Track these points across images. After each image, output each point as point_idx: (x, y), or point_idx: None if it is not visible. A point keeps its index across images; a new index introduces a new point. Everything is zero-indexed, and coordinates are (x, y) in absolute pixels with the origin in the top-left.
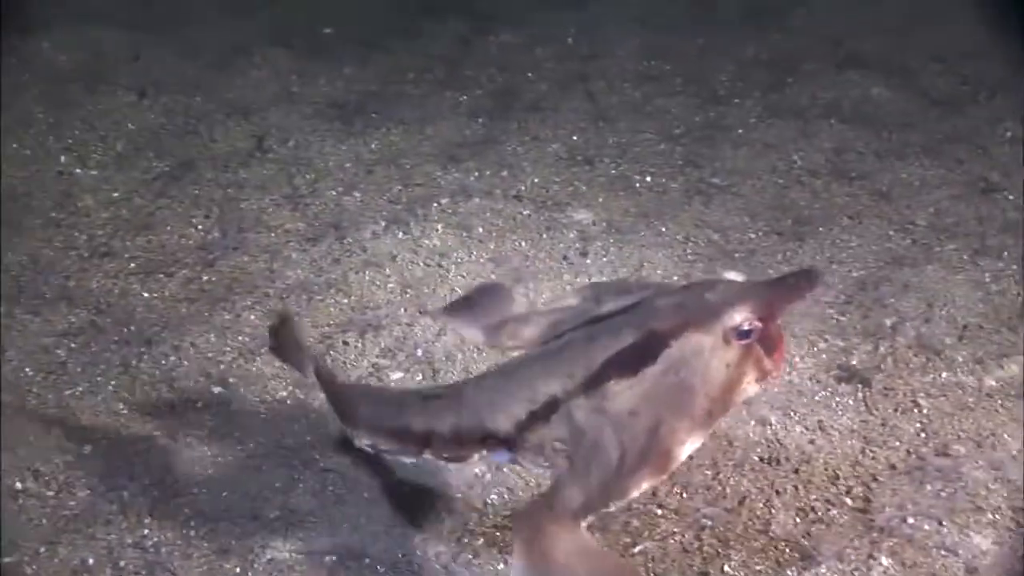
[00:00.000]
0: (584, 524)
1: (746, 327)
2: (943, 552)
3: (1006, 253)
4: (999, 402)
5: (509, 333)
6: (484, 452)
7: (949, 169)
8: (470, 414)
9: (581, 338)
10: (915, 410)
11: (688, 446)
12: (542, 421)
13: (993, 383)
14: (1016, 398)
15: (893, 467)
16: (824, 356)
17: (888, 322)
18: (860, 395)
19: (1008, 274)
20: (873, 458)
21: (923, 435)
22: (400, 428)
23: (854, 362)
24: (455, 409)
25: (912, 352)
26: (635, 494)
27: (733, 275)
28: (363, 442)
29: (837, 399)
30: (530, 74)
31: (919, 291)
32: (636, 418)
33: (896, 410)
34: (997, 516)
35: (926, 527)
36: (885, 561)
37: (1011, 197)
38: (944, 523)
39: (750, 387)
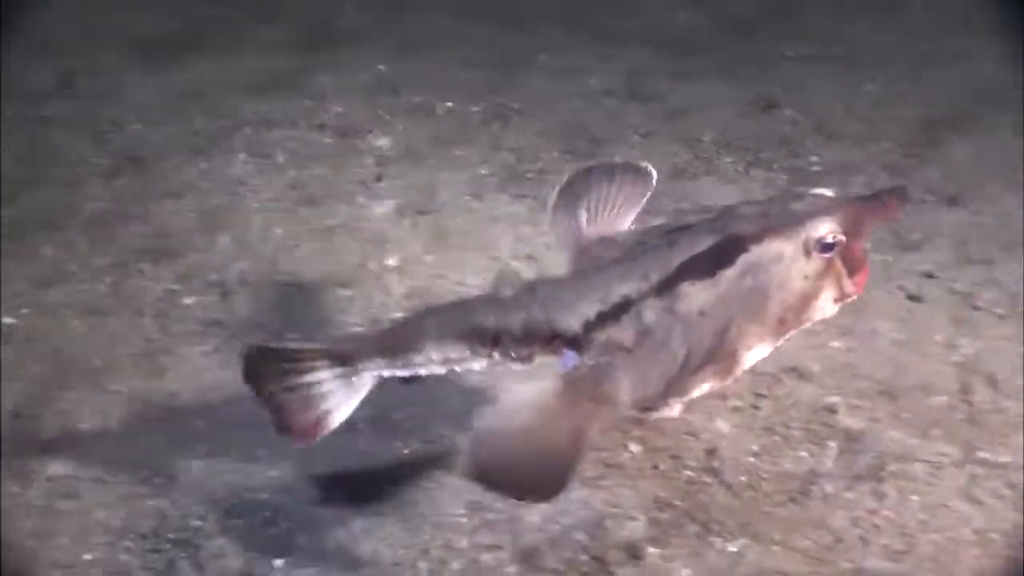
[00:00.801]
0: (613, 412)
1: (829, 239)
2: (686, 436)
3: (776, 164)
4: None
5: (593, 258)
6: (551, 353)
7: (737, 88)
8: (539, 311)
9: (661, 244)
10: None
11: (756, 352)
12: (612, 321)
13: None
14: None
15: None
16: None
17: None
18: None
19: (777, 182)
20: None
21: None
22: (471, 328)
23: None
24: (526, 306)
25: None
26: (695, 393)
27: (822, 190)
28: (432, 359)
29: None
30: (347, 6)
31: (693, 201)
32: (706, 319)
33: None
34: (739, 402)
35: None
36: (634, 448)
37: (788, 112)
38: (693, 412)
39: (827, 305)
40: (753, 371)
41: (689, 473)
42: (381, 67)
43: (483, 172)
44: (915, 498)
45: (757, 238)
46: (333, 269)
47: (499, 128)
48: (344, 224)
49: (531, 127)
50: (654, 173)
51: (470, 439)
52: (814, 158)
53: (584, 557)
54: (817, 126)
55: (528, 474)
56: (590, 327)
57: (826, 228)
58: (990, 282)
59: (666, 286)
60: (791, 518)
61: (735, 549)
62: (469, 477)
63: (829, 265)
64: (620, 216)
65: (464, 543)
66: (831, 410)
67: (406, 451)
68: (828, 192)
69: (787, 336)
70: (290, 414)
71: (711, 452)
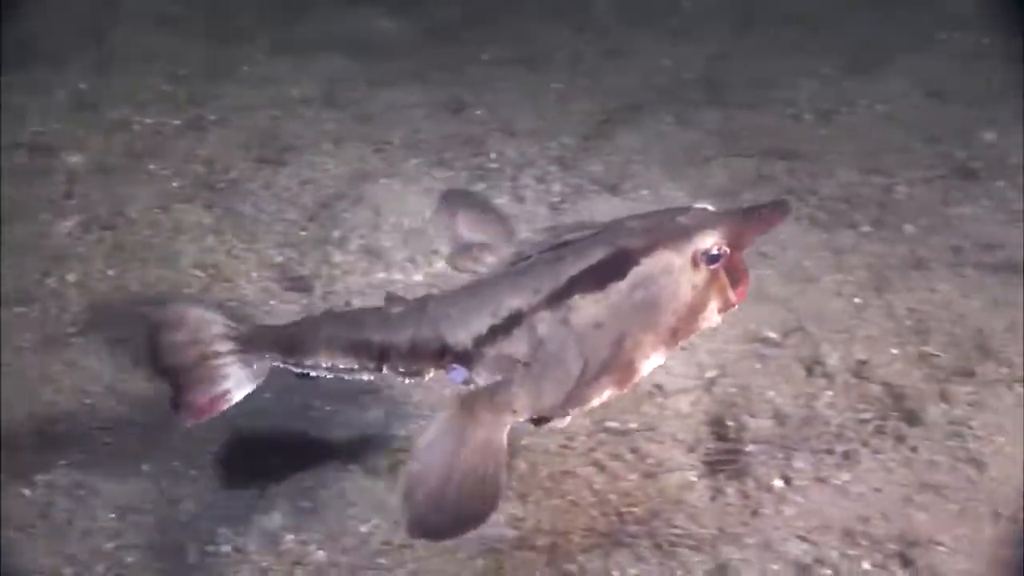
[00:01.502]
0: (513, 421)
1: (715, 251)
2: None
3: (459, 163)
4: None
5: (474, 258)
6: (441, 368)
7: (430, 92)
8: (428, 327)
9: (549, 258)
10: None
11: (652, 360)
12: (503, 334)
13: (419, 278)
14: (434, 289)
15: None
16: (279, 269)
17: (337, 233)
18: (304, 301)
19: (458, 179)
20: None
21: None
22: (359, 342)
23: (305, 272)
24: (414, 322)
25: (355, 257)
26: (596, 402)
27: (703, 204)
28: (322, 364)
29: (282, 306)
30: (48, 24)
31: (372, 203)
32: (601, 330)
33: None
34: None
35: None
36: None
37: (477, 113)
38: None
39: (713, 315)
40: None
41: None
42: (82, 85)
43: (174, 185)
44: (544, 469)
45: (647, 251)
46: (11, 287)
47: (195, 140)
48: (25, 242)
49: (227, 138)
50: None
51: (403, 499)
52: (494, 155)
53: None
54: (503, 125)
55: (465, 507)
56: (481, 341)
57: (712, 240)
58: None
59: (557, 299)
60: None
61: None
62: (413, 535)
63: (715, 276)
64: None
65: None
66: None
67: None
68: (709, 206)
69: (680, 344)
70: (189, 390)
71: None
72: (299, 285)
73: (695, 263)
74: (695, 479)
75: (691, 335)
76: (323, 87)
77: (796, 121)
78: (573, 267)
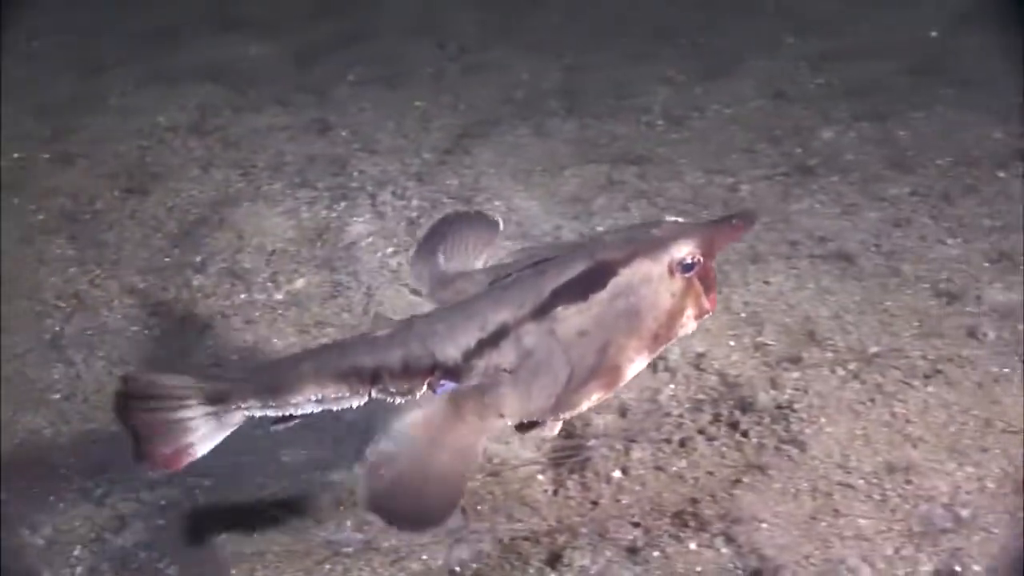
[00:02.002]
0: (501, 425)
1: (689, 260)
2: None
3: (320, 183)
4: (280, 312)
5: (455, 290)
6: (431, 384)
7: (295, 115)
8: (418, 346)
9: (531, 274)
10: (207, 330)
11: (636, 364)
12: (491, 347)
13: (280, 297)
14: (295, 306)
15: None
16: (142, 294)
17: (199, 258)
18: (166, 326)
19: (321, 199)
20: None
21: (210, 354)
22: (349, 368)
23: (170, 296)
24: (404, 342)
25: (216, 280)
26: (585, 406)
27: (674, 218)
28: (310, 399)
29: (146, 331)
30: None
31: (235, 226)
32: (586, 338)
33: (197, 331)
34: None
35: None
36: None
37: (342, 133)
38: None
39: (689, 322)
40: None
41: None
42: None
43: (39, 218)
44: None
45: (625, 262)
46: None
47: (60, 173)
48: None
49: (93, 169)
50: (500, 221)
51: (366, 469)
52: (356, 173)
53: None
54: (365, 144)
55: (425, 502)
56: (470, 355)
57: (687, 250)
58: None
59: (542, 311)
60: None
61: None
62: (368, 508)
63: (690, 284)
64: (472, 256)
65: None
66: None
67: None
68: (679, 219)
69: (660, 349)
70: (149, 443)
71: None
72: (161, 310)
73: (671, 272)
74: (540, 475)
75: (670, 341)
76: (191, 115)
77: (649, 127)
78: (555, 280)
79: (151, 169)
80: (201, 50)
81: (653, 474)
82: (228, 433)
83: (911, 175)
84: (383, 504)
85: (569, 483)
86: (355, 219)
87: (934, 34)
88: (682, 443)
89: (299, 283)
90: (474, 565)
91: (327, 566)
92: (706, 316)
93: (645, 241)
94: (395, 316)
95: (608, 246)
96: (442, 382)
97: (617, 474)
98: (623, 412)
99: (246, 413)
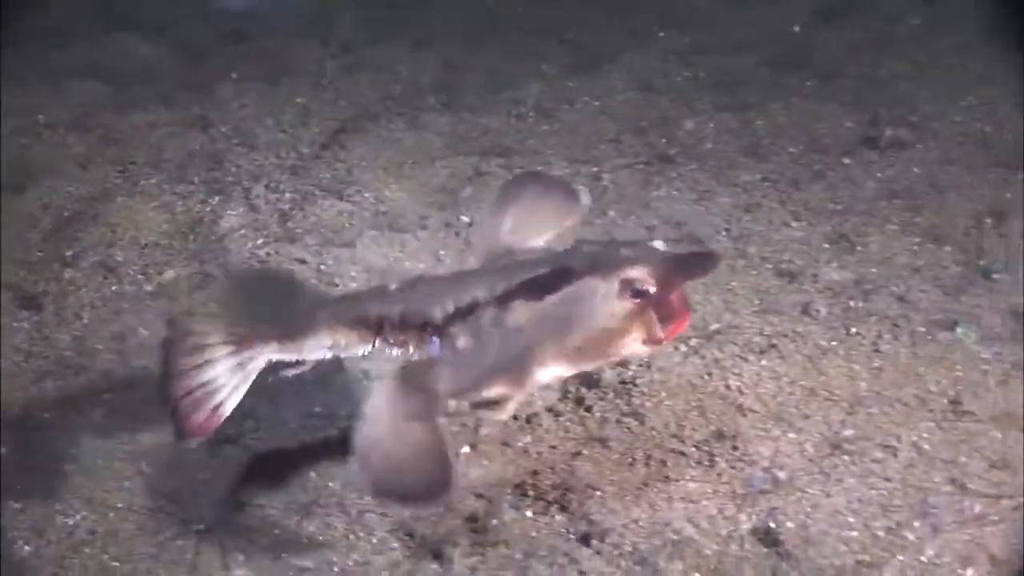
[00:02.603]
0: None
1: (639, 286)
2: None
3: (197, 178)
4: (148, 303)
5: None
6: (423, 341)
7: (177, 112)
8: (416, 302)
9: (523, 263)
10: (76, 321)
11: (549, 371)
12: (460, 318)
13: (150, 288)
14: (163, 297)
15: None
16: (12, 289)
17: (70, 252)
18: (36, 318)
19: (196, 193)
20: None
21: (77, 343)
22: (359, 317)
23: (38, 289)
24: (405, 298)
25: (90, 272)
26: (485, 394)
27: (659, 243)
28: (323, 344)
29: (15, 324)
30: None
31: (109, 221)
32: (519, 334)
33: (65, 323)
34: None
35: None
36: None
37: (222, 129)
38: None
39: (635, 345)
40: None
41: None
42: None
43: None
44: None
45: (581, 273)
46: None
47: None
48: None
49: None
50: (584, 198)
51: (360, 463)
52: (232, 168)
53: None
54: (243, 139)
55: (417, 476)
56: (448, 320)
57: (638, 275)
58: (352, 259)
59: (506, 299)
60: None
61: None
62: (373, 497)
63: (639, 309)
64: (539, 232)
65: None
66: None
67: None
68: (660, 244)
69: (589, 365)
70: (186, 417)
71: None
72: (31, 304)
73: (621, 293)
74: None
75: (605, 360)
76: (72, 112)
77: (520, 120)
78: (529, 274)
79: (30, 167)
80: (88, 49)
81: (499, 449)
82: (250, 383)
83: (764, 162)
84: (383, 489)
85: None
86: (228, 212)
87: (796, 28)
88: (528, 420)
89: (169, 275)
90: (320, 537)
91: (179, 542)
92: (660, 344)
93: (607, 258)
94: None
95: (578, 255)
96: (433, 339)
97: (466, 450)
98: None
99: (267, 357)
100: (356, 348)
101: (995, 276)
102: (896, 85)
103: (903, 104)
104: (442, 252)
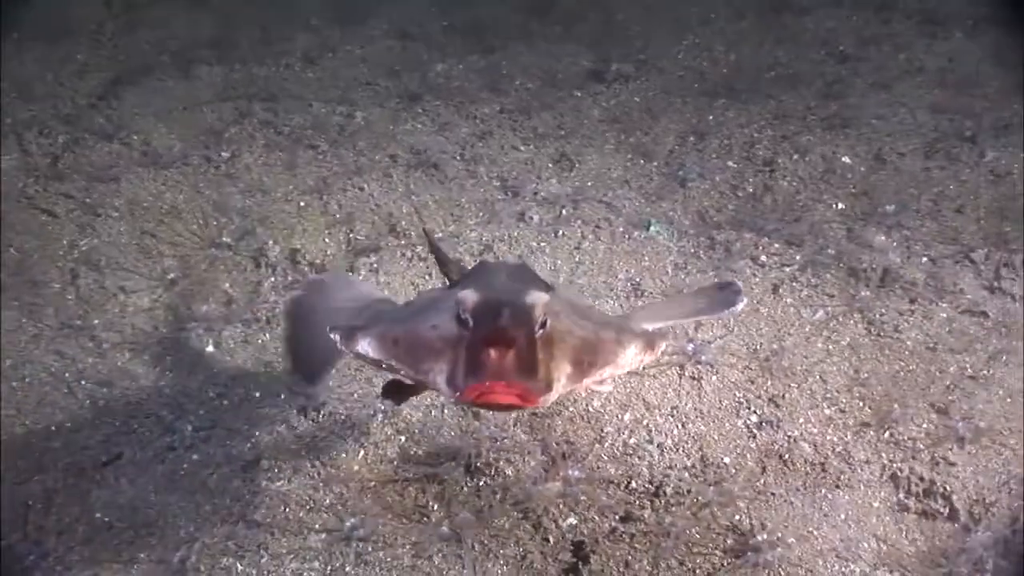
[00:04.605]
0: None
1: (460, 312)
2: None
3: None
4: None
5: None
6: None
7: None
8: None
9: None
10: None
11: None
12: None
13: None
14: None
15: None
16: None
17: None
18: None
19: None
20: None
21: None
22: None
23: None
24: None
25: None
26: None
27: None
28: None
29: None
30: None
31: None
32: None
33: None
34: None
35: None
36: None
37: (3, 85)
38: None
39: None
40: None
41: None
42: None
43: None
44: None
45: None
46: None
47: None
48: None
49: None
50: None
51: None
52: (8, 120)
53: None
54: (21, 93)
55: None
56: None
57: (463, 298)
58: (116, 193)
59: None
60: None
61: None
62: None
63: (456, 339)
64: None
65: None
66: None
67: None
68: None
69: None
70: (302, 361)
71: None
72: None
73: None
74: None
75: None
76: None
77: (288, 68)
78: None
79: None
80: None
81: (241, 347)
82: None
83: (503, 96)
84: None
85: (168, 359)
86: (4, 157)
87: None
88: (268, 320)
89: None
90: (67, 424)
91: None
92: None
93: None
94: None
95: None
96: None
97: (210, 348)
98: (229, 302)
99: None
100: None
101: (690, 184)
102: (629, 28)
103: (633, 44)
104: (201, 185)
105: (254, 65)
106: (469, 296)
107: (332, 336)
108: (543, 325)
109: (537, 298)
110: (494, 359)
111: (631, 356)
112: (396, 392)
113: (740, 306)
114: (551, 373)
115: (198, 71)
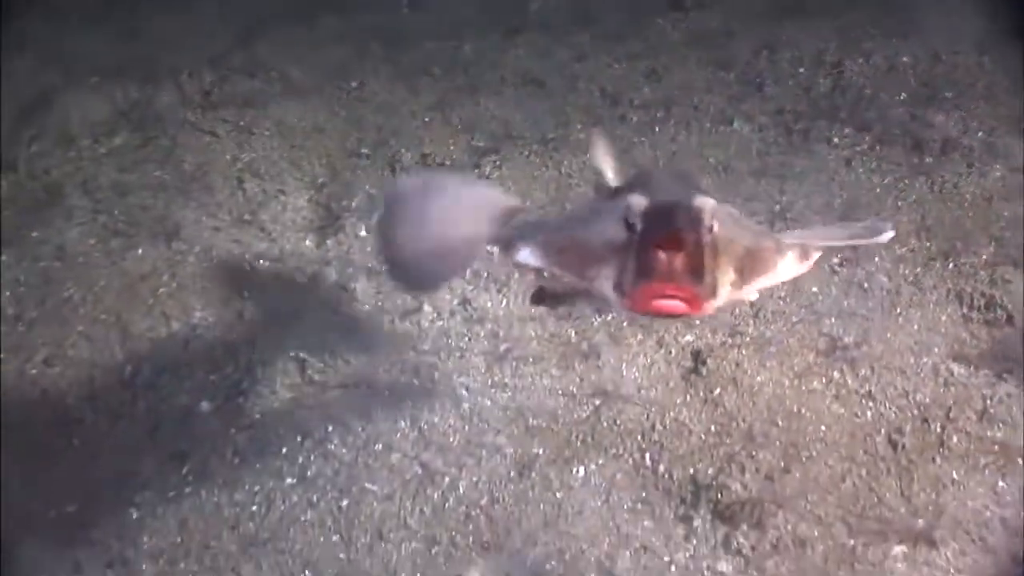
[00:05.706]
0: None
1: (629, 216)
2: None
3: None
4: None
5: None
6: None
7: None
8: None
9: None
10: None
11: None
12: None
13: None
14: None
15: None
16: None
17: None
18: None
19: None
20: None
21: None
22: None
23: None
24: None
25: None
26: None
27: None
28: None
29: None
30: None
31: None
32: None
33: None
34: None
35: None
36: None
37: None
38: None
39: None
40: None
41: None
42: None
43: None
44: None
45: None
46: None
47: None
48: None
49: None
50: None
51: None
52: None
53: None
54: None
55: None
56: None
57: (633, 203)
58: None
59: None
60: None
61: None
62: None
63: (624, 245)
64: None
65: None
66: None
67: None
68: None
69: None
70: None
71: None
72: None
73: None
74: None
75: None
76: None
77: (398, 13)
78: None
79: None
80: None
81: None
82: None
83: (593, 26)
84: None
85: (328, 241)
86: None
87: None
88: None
89: None
90: (255, 292)
91: None
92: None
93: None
94: None
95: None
96: None
97: (363, 233)
98: (372, 200)
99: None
100: None
101: (766, 89)
102: None
103: None
104: (337, 107)
105: (368, 14)
106: (638, 201)
107: (490, 248)
108: (711, 231)
109: (706, 203)
110: (663, 262)
111: (788, 266)
112: (546, 299)
113: (887, 235)
114: (717, 280)
115: (321, 21)
